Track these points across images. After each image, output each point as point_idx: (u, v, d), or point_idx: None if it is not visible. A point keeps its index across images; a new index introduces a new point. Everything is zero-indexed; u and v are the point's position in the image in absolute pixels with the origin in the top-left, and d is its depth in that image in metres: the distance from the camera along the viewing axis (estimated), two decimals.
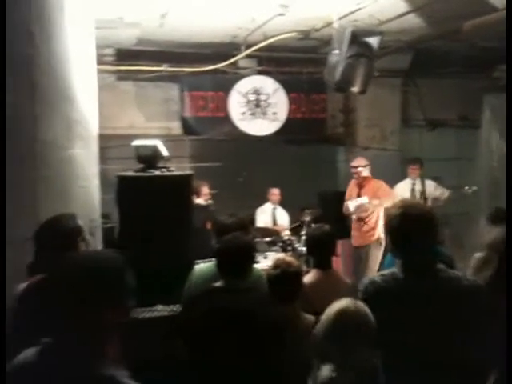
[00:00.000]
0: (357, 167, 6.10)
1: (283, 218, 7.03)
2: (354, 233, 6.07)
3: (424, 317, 2.02)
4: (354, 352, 1.96)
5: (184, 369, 2.58)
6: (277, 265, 2.68)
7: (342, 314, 1.99)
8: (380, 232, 5.87)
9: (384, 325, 1.99)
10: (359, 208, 5.86)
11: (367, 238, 5.89)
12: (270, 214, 6.98)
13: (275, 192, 7.02)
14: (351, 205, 5.94)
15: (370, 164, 6.20)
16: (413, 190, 6.54)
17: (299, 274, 2.69)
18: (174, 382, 2.61)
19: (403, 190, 6.61)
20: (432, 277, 2.09)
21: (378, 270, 5.88)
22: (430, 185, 6.61)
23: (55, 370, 1.35)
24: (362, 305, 2.02)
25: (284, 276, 2.60)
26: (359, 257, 5.93)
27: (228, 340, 2.49)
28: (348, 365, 1.98)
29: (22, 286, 2.44)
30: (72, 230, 2.35)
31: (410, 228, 2.09)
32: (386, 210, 2.34)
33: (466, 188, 6.27)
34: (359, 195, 6.04)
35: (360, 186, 6.12)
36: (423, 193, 6.49)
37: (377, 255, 5.83)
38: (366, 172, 6.09)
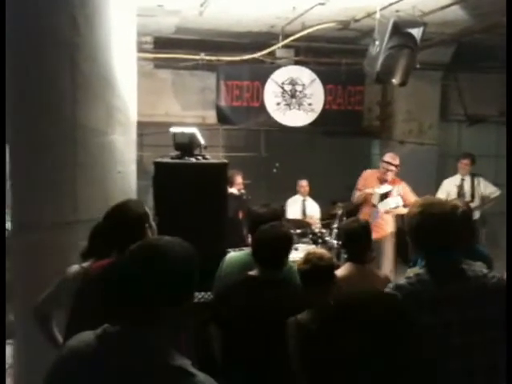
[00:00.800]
0: (392, 164, 5.75)
1: (313, 210, 6.96)
2: None
3: (453, 319, 1.97)
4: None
5: (217, 356, 2.60)
6: (308, 259, 2.62)
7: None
8: (393, 225, 5.75)
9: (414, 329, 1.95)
10: (388, 210, 5.64)
11: (383, 232, 5.75)
12: (300, 206, 6.94)
13: (303, 184, 6.96)
14: (383, 205, 5.68)
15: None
16: (461, 187, 6.30)
17: (331, 268, 2.64)
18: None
19: (451, 185, 6.40)
20: (458, 277, 2.03)
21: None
22: (480, 183, 6.36)
23: (119, 358, 1.33)
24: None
25: (315, 271, 2.55)
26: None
27: (264, 330, 2.49)
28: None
29: (75, 268, 2.48)
30: (140, 216, 2.35)
31: (430, 227, 2.05)
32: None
33: None
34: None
35: (382, 182, 5.79)
36: (472, 190, 6.27)
37: (392, 248, 5.72)
38: (393, 174, 5.76)
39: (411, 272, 2.81)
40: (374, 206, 5.73)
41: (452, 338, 1.97)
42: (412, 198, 5.52)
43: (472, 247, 3.09)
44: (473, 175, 6.39)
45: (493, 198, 6.28)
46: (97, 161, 3.35)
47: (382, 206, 5.63)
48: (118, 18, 3.49)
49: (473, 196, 6.19)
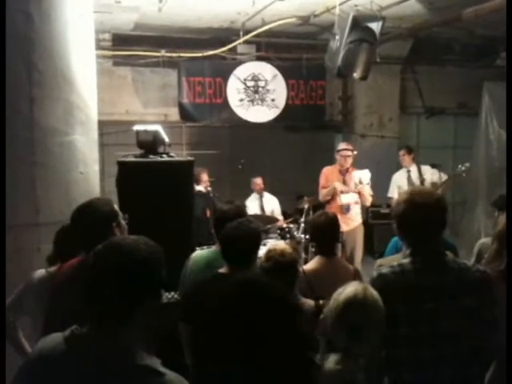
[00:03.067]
0: (348, 149, 5.75)
1: (272, 205, 6.91)
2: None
3: (436, 309, 1.99)
4: (361, 341, 1.93)
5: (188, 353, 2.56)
6: (269, 256, 2.60)
7: (350, 301, 1.94)
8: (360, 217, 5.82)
9: (395, 319, 1.97)
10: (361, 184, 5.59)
11: (355, 223, 5.81)
12: (258, 203, 6.88)
13: (258, 182, 6.87)
14: (364, 174, 5.57)
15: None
16: (409, 178, 6.41)
17: (293, 263, 2.63)
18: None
19: (400, 179, 6.51)
20: (441, 268, 2.05)
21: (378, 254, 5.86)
22: (427, 171, 6.48)
23: (87, 359, 1.32)
24: (371, 291, 1.97)
25: (278, 267, 2.55)
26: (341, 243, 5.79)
27: (237, 326, 2.46)
28: (355, 353, 1.95)
29: (41, 272, 2.40)
30: (108, 215, 2.29)
31: (418, 215, 2.05)
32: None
33: (459, 166, 6.16)
34: (344, 183, 5.85)
35: (344, 174, 5.79)
36: (421, 179, 6.37)
37: (362, 239, 5.80)
38: (351, 159, 5.76)
39: (382, 262, 2.85)
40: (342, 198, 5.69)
41: (431, 327, 1.98)
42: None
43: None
44: (418, 165, 6.52)
45: (443, 182, 6.38)
46: (57, 161, 3.25)
47: (363, 175, 5.61)
48: (75, 15, 3.40)
49: (422, 184, 6.30)
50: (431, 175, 6.43)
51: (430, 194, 2.16)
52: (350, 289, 1.97)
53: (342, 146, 5.95)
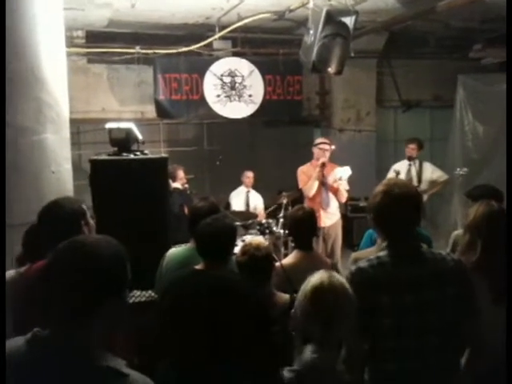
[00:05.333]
0: (325, 144, 5.73)
1: (257, 201, 6.98)
2: (318, 214, 5.65)
3: (414, 300, 2.01)
4: (333, 328, 1.93)
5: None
6: (245, 250, 2.62)
7: (317, 289, 1.95)
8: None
9: (377, 310, 1.99)
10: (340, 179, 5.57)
11: (335, 217, 5.84)
12: (244, 198, 6.93)
13: (249, 175, 6.96)
14: (345, 172, 5.51)
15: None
16: (408, 171, 6.35)
17: (269, 258, 2.65)
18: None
19: (399, 167, 6.41)
20: (418, 259, 2.06)
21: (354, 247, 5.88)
22: (428, 167, 6.46)
23: (48, 361, 1.30)
24: (337, 278, 1.98)
25: (253, 261, 2.55)
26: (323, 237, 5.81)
27: (214, 321, 2.46)
28: (329, 342, 1.95)
29: (10, 274, 2.37)
30: (75, 213, 2.28)
31: (395, 207, 2.05)
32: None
33: (458, 170, 6.19)
34: (323, 177, 5.78)
35: (322, 168, 5.69)
36: (419, 175, 6.35)
37: (341, 233, 5.83)
38: (328, 153, 5.72)
39: (357, 255, 2.86)
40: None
41: (413, 317, 2.00)
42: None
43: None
44: (420, 160, 6.47)
45: (441, 181, 6.41)
46: (28, 161, 3.21)
47: (344, 173, 5.60)
48: (44, 12, 3.34)
49: (419, 180, 6.32)
50: (431, 173, 6.43)
51: (406, 185, 2.17)
52: (315, 278, 1.99)
53: (319, 139, 5.98)
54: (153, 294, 3.36)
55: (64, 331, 1.34)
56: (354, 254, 2.94)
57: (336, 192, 5.67)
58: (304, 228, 3.22)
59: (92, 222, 2.36)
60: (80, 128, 7.24)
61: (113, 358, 1.35)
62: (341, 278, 1.99)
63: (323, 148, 5.67)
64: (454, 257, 2.16)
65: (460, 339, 2.07)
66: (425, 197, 6.16)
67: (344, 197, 5.71)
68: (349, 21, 4.72)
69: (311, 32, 4.74)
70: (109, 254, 1.40)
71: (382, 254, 2.09)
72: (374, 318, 2.00)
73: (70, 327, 1.34)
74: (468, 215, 2.53)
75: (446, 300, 2.02)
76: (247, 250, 2.58)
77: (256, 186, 7.12)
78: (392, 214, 2.06)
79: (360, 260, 2.17)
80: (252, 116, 7.08)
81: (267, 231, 5.97)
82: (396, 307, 2.00)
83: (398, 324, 2.00)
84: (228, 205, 7.04)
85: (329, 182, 5.64)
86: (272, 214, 6.62)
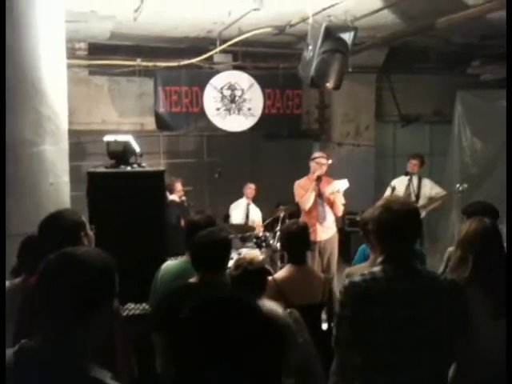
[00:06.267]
0: (322, 158, 5.74)
1: (256, 215, 6.99)
2: (314, 228, 5.59)
3: (407, 315, 2.02)
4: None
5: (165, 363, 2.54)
6: (238, 264, 2.63)
7: None
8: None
9: (367, 325, 2.00)
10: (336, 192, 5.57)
11: (331, 231, 5.85)
12: (244, 210, 6.94)
13: (252, 186, 6.98)
14: (342, 184, 5.55)
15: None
16: (408, 187, 6.33)
17: (262, 272, 2.66)
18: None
19: (399, 185, 6.44)
20: (412, 276, 2.08)
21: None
22: (426, 184, 6.47)
23: (35, 372, 1.31)
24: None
25: (246, 275, 2.56)
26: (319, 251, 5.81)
27: (212, 334, 2.45)
28: None
29: (7, 284, 2.38)
30: (75, 225, 2.30)
31: (393, 223, 2.06)
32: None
33: (458, 186, 6.20)
34: (319, 193, 5.73)
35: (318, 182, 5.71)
36: (418, 191, 6.33)
37: (337, 247, 5.83)
38: (325, 167, 5.72)
39: (350, 270, 2.88)
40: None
41: (402, 332, 2.02)
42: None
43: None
44: (420, 176, 6.46)
45: (439, 197, 6.40)
46: (27, 172, 3.23)
47: (342, 185, 5.60)
48: (45, 24, 3.38)
49: (418, 196, 6.31)
50: (429, 189, 6.43)
51: (406, 202, 2.20)
52: None
53: (317, 153, 6.01)
54: (147, 307, 3.37)
55: (51, 342, 1.35)
56: (347, 270, 2.96)
57: (332, 205, 5.69)
58: (297, 242, 3.24)
59: (91, 233, 2.39)
60: (81, 139, 7.28)
61: (99, 370, 1.36)
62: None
63: (320, 162, 5.69)
64: (447, 276, 2.20)
65: (451, 354, 2.08)
66: (423, 213, 6.18)
67: (340, 210, 5.72)
68: (347, 37, 4.77)
69: (310, 47, 4.79)
70: (97, 266, 1.42)
71: (376, 269, 2.10)
72: (367, 332, 2.01)
73: (57, 338, 1.35)
74: (460, 231, 2.54)
75: (438, 315, 2.03)
76: (240, 263, 2.60)
77: (255, 199, 7.14)
78: (391, 229, 2.08)
79: (353, 275, 2.19)
80: (251, 129, 7.12)
81: (264, 244, 5.98)
82: (389, 321, 2.01)
83: (391, 338, 2.01)
84: (227, 217, 7.05)
85: (326, 194, 5.65)
86: (269, 228, 6.63)
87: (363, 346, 2.04)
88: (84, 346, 1.38)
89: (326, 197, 5.67)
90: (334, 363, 2.10)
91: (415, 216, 2.12)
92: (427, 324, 2.03)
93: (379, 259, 2.15)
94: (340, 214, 5.82)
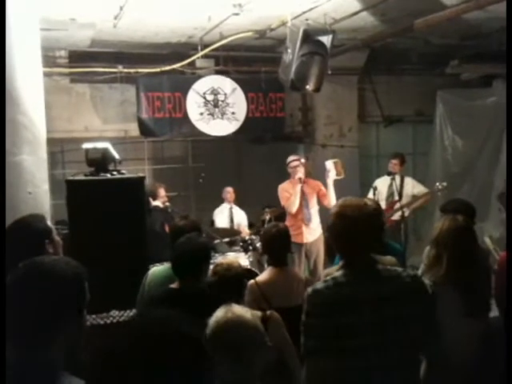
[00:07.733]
0: (294, 161, 5.82)
1: (240, 217, 7.00)
2: (300, 230, 5.81)
3: (372, 318, 2.02)
4: (243, 362, 1.85)
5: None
6: (215, 271, 2.64)
7: (216, 327, 1.89)
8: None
9: (335, 333, 2.00)
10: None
11: (317, 233, 5.87)
12: (228, 214, 6.95)
13: (229, 190, 6.98)
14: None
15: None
16: (390, 186, 6.37)
17: (240, 277, 2.66)
18: None
19: (381, 183, 6.52)
20: (373, 278, 2.07)
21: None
22: (409, 182, 6.53)
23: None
24: (237, 315, 1.91)
25: (223, 282, 2.57)
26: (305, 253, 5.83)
27: (186, 343, 2.44)
28: (244, 378, 1.87)
29: None
30: (40, 231, 2.28)
31: (346, 228, 2.05)
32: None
33: (437, 184, 6.26)
34: (303, 195, 5.82)
35: (300, 182, 5.79)
36: (400, 189, 6.39)
37: (323, 249, 5.85)
38: (302, 168, 5.80)
39: (328, 272, 2.89)
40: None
41: (369, 336, 2.01)
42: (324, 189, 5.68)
43: (383, 243, 3.20)
44: (402, 175, 6.54)
45: (422, 195, 6.43)
46: (4, 182, 3.21)
47: (329, 165, 5.66)
48: (20, 32, 3.37)
49: (400, 195, 6.35)
50: (412, 188, 6.50)
51: (360, 206, 2.14)
52: (218, 313, 1.94)
53: (289, 158, 6.03)
54: (131, 314, 3.37)
55: (25, 355, 1.34)
56: (325, 271, 2.98)
57: (323, 197, 5.69)
58: (278, 245, 3.26)
59: (58, 238, 2.37)
60: (64, 147, 7.24)
61: (74, 379, 1.35)
62: (242, 311, 1.94)
63: (293, 165, 5.76)
64: (411, 273, 2.16)
65: (421, 354, 2.09)
66: (406, 212, 6.23)
67: (332, 201, 5.63)
68: (326, 39, 4.81)
69: (289, 51, 4.83)
70: (67, 275, 1.41)
71: (337, 274, 2.10)
72: (334, 338, 2.00)
73: (30, 351, 1.34)
74: (434, 230, 2.56)
75: (404, 315, 2.03)
76: (218, 270, 2.61)
77: (241, 203, 7.14)
78: (344, 236, 2.07)
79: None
80: (235, 133, 7.13)
81: (251, 248, 5.98)
82: (355, 326, 2.01)
83: (359, 343, 2.01)
84: (212, 222, 7.06)
85: (330, 183, 5.66)
86: (256, 231, 6.64)
87: (332, 353, 2.03)
88: (57, 357, 1.37)
89: (322, 193, 5.72)
90: (303, 371, 2.09)
91: (369, 220, 2.09)
92: (394, 325, 2.02)
93: (340, 263, 2.17)
94: (333, 204, 5.83)
